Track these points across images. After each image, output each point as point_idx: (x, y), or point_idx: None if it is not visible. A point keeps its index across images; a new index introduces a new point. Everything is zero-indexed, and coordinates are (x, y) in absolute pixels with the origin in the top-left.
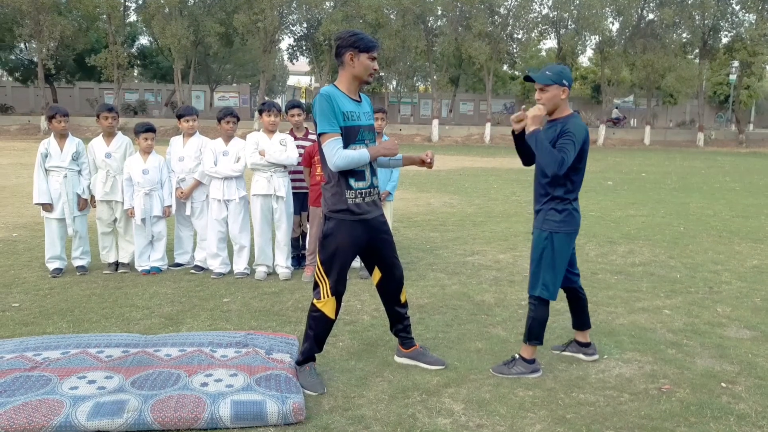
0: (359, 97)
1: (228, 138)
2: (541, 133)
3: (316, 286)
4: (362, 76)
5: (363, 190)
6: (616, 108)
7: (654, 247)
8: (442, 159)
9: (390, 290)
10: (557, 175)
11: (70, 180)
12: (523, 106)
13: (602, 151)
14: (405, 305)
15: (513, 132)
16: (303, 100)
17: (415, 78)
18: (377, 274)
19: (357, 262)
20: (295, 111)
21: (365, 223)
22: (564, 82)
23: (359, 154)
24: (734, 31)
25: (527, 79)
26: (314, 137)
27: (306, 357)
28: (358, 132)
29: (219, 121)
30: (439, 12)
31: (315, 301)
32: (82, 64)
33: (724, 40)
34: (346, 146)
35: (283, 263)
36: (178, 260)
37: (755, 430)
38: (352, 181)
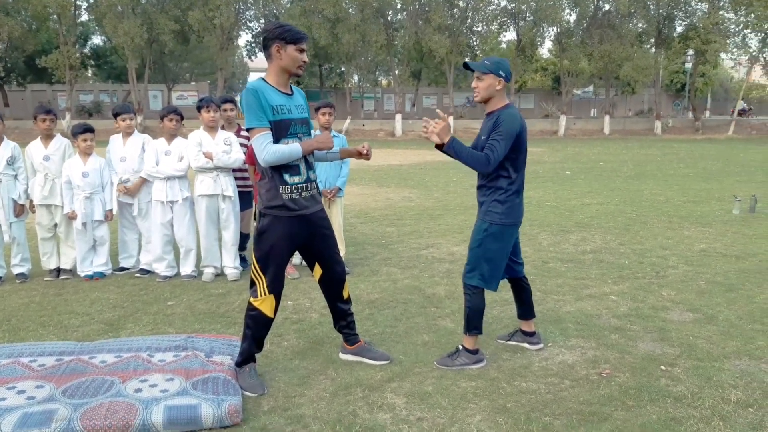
0: (290, 89)
1: (171, 137)
2: (457, 140)
3: (252, 284)
4: (290, 68)
5: (299, 185)
6: (743, 101)
7: (606, 234)
8: (404, 153)
9: (331, 286)
10: (485, 171)
11: (5, 185)
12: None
13: (562, 141)
14: (348, 301)
15: (436, 146)
16: None
17: (377, 72)
18: (318, 270)
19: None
20: (228, 105)
21: (303, 219)
22: (501, 73)
23: (290, 148)
24: (688, 20)
25: (465, 66)
26: (246, 133)
27: (245, 358)
28: (290, 125)
29: (161, 119)
30: (398, 5)
31: (252, 299)
32: (33, 65)
33: (679, 29)
34: (277, 140)
35: (231, 264)
36: (122, 264)
37: (690, 411)
38: (286, 176)
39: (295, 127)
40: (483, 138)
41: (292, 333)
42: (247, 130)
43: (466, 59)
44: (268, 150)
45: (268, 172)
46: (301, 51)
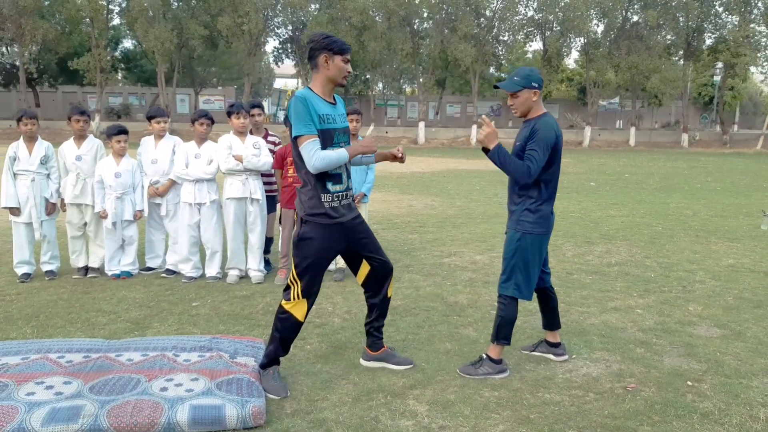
0: (334, 99)
1: (201, 140)
2: (503, 148)
3: (287, 288)
4: (336, 78)
5: (339, 194)
6: None
7: (631, 246)
8: (427, 161)
9: (379, 280)
10: (526, 182)
11: (38, 184)
12: (485, 114)
13: (587, 152)
14: (389, 300)
15: (483, 149)
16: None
17: (401, 80)
18: (365, 268)
19: (331, 265)
20: (256, 111)
21: (341, 227)
22: (533, 84)
23: (337, 154)
24: (717, 33)
25: (497, 87)
26: (273, 138)
27: (270, 360)
28: (334, 135)
29: (193, 122)
30: (425, 14)
31: (284, 302)
32: (65, 67)
33: (708, 42)
34: (322, 149)
35: (255, 266)
36: (149, 264)
37: (717, 428)
38: (329, 185)
39: (338, 137)
40: (518, 144)
41: (315, 337)
42: (295, 138)
43: (496, 83)
44: (318, 156)
45: (310, 179)
46: (347, 61)
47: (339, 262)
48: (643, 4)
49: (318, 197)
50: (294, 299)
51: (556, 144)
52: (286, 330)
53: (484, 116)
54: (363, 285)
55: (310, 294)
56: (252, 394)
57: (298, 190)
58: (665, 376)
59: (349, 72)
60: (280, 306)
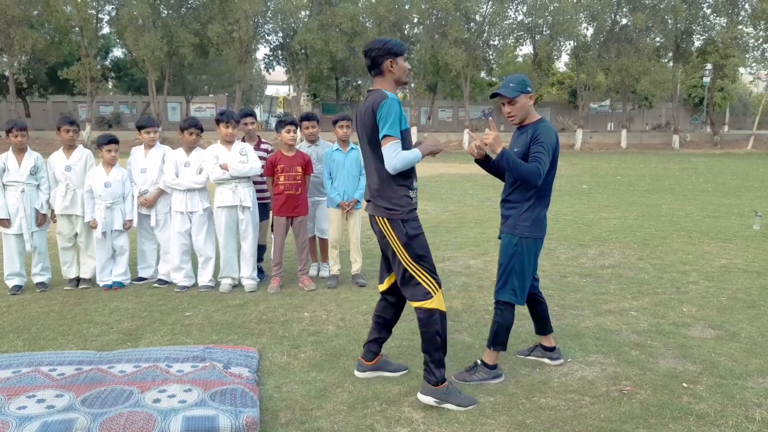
0: None
1: (189, 149)
2: (509, 151)
3: (416, 290)
4: (402, 78)
5: (415, 190)
6: None
7: (624, 248)
8: (419, 166)
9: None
10: (536, 185)
11: (28, 195)
12: (481, 116)
13: (579, 155)
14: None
15: (476, 160)
16: (281, 110)
17: None
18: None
19: (325, 272)
20: (249, 119)
21: None
22: (528, 89)
23: (413, 154)
24: (706, 35)
25: (494, 96)
26: (266, 146)
27: (442, 371)
28: (407, 135)
29: (182, 131)
30: (415, 20)
31: (424, 303)
32: (55, 77)
33: (697, 44)
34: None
35: (248, 274)
36: (141, 274)
37: (714, 430)
38: (413, 183)
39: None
40: (517, 150)
41: (308, 345)
42: (383, 136)
43: (497, 91)
44: (399, 157)
45: (396, 179)
46: (405, 59)
47: (333, 269)
48: (631, 7)
49: (408, 195)
50: (434, 293)
51: (556, 148)
52: (443, 328)
53: (490, 120)
54: (388, 291)
55: (440, 283)
56: (246, 405)
57: (380, 192)
58: (660, 378)
59: (409, 69)
60: (423, 310)
